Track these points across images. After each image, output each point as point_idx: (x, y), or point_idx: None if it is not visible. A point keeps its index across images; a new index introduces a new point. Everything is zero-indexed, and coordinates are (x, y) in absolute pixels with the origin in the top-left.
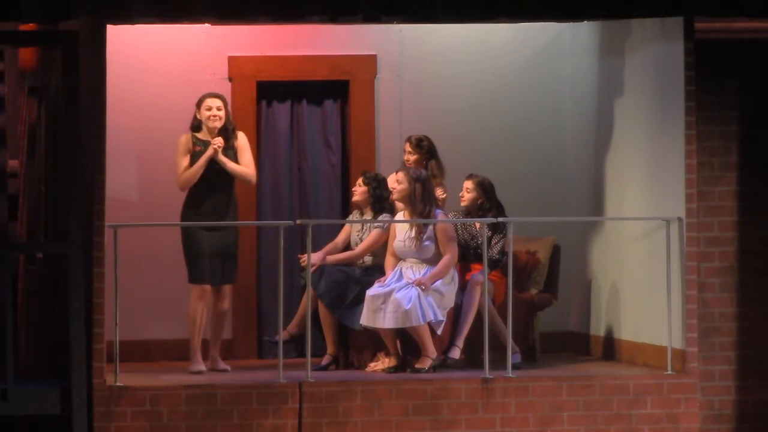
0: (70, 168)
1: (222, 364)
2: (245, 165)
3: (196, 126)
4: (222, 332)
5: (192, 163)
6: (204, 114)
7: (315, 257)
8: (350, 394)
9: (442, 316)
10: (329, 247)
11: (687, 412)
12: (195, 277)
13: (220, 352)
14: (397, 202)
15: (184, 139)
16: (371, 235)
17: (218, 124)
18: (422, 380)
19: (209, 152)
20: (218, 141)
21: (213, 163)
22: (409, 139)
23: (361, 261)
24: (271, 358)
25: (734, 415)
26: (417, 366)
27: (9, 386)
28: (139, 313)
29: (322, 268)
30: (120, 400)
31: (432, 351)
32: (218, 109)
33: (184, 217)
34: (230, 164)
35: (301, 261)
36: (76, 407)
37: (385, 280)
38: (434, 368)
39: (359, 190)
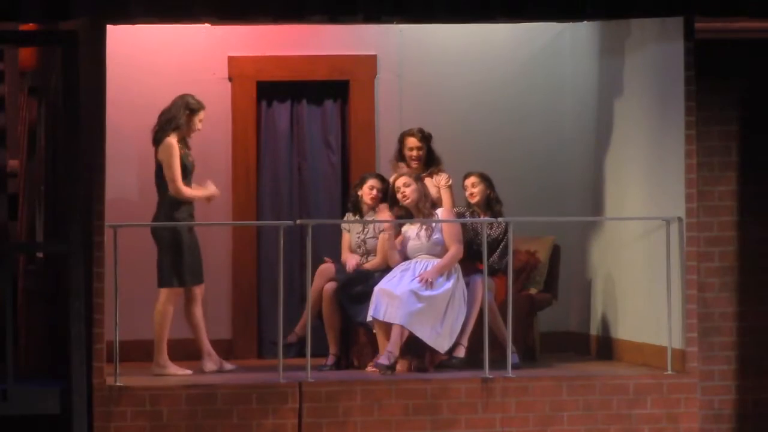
0: (70, 168)
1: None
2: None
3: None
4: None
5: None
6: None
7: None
8: (350, 394)
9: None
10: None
11: (687, 411)
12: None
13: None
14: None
15: (174, 142)
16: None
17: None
18: (422, 380)
19: (208, 194)
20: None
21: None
22: (412, 134)
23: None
24: (271, 358)
25: (734, 415)
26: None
27: (9, 386)
28: (139, 313)
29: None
30: (120, 400)
31: (395, 351)
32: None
33: (176, 219)
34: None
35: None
36: (76, 407)
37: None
38: (391, 369)
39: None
